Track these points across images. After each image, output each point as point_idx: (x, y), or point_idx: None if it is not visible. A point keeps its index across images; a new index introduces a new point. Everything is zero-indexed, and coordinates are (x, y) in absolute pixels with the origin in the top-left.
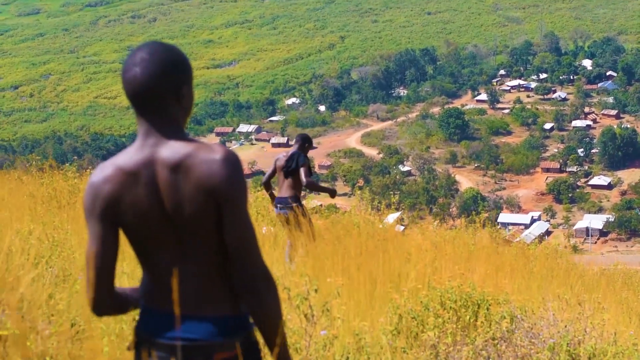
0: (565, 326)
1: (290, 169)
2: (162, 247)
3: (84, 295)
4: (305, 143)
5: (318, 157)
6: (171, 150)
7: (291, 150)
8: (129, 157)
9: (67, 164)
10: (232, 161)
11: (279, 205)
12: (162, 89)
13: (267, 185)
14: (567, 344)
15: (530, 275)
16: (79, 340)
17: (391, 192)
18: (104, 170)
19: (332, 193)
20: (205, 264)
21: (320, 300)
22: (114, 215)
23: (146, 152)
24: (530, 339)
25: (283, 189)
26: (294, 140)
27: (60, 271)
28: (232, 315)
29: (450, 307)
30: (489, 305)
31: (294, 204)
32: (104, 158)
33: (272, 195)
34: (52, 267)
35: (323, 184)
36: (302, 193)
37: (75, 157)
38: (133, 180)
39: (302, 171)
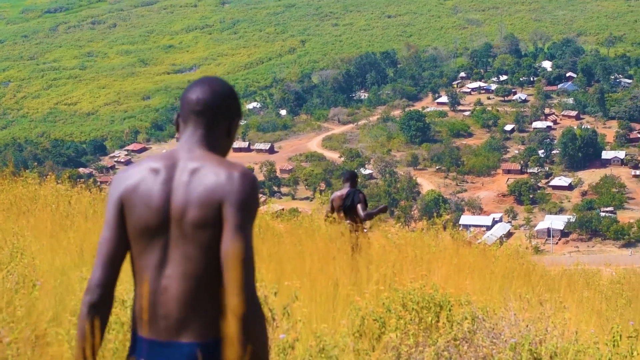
0: (527, 326)
1: (346, 207)
2: (155, 248)
3: (43, 301)
4: (356, 178)
5: (279, 161)
6: (197, 158)
7: (345, 189)
8: (161, 157)
9: (27, 171)
10: (249, 178)
11: None
12: (224, 109)
13: (326, 217)
14: (529, 343)
15: (491, 276)
16: (39, 347)
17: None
18: (135, 166)
19: (385, 209)
20: (191, 276)
21: (281, 304)
22: (124, 211)
23: (176, 155)
24: (492, 339)
25: (348, 220)
26: (344, 179)
27: (20, 278)
28: (215, 339)
29: (412, 309)
30: (451, 306)
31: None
32: (65, 165)
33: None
34: (12, 274)
35: (374, 209)
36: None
37: (36, 164)
38: (153, 175)
39: (359, 207)
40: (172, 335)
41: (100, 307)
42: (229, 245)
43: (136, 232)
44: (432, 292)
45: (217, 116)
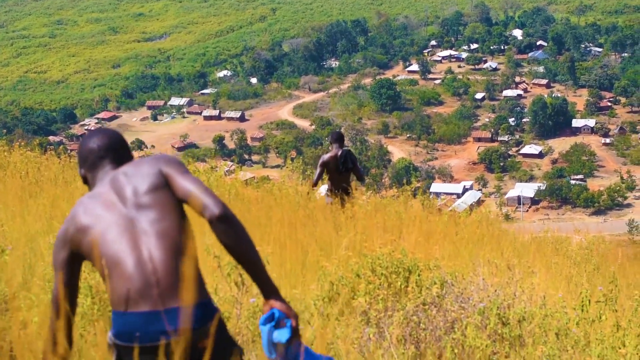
0: (495, 290)
1: (347, 167)
2: (120, 235)
3: (12, 266)
4: (344, 138)
5: (250, 129)
6: (118, 172)
7: (335, 151)
8: (93, 188)
9: None
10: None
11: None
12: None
13: (316, 185)
14: (497, 308)
15: (460, 242)
16: (9, 311)
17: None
18: (65, 222)
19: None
20: (172, 247)
21: None
22: (79, 243)
23: (100, 187)
24: (461, 304)
25: (337, 183)
26: (332, 139)
27: None
28: (205, 300)
29: (382, 274)
30: (420, 271)
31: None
32: (35, 133)
33: (331, 189)
34: None
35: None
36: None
37: (5, 132)
38: (95, 199)
39: (359, 167)
40: (169, 302)
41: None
42: (184, 184)
43: (105, 245)
44: (401, 258)
45: (119, 152)
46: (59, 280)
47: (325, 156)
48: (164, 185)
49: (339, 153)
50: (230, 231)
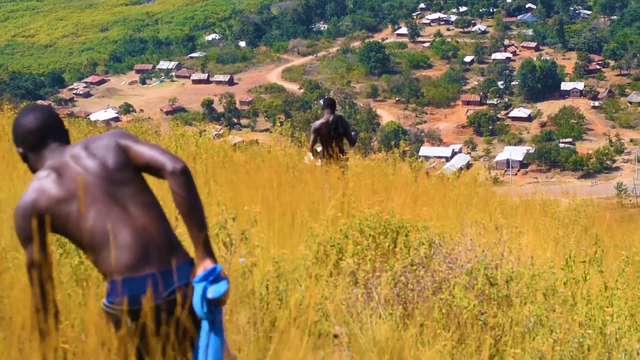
0: (483, 251)
1: (339, 133)
2: (108, 218)
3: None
4: (335, 104)
5: (239, 93)
6: (74, 146)
7: (327, 117)
8: (46, 166)
9: None
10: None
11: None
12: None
13: (312, 149)
14: (485, 268)
15: (448, 204)
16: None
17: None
18: (30, 190)
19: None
20: (149, 205)
21: (239, 230)
22: (55, 214)
23: (57, 159)
24: (448, 264)
25: (329, 148)
26: (323, 106)
27: None
28: (190, 258)
29: (369, 235)
30: (408, 232)
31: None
32: (23, 97)
33: (316, 152)
34: None
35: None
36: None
37: None
38: (55, 177)
39: (353, 134)
40: (171, 262)
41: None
42: (142, 150)
43: (73, 225)
44: (389, 218)
45: (57, 129)
46: (35, 249)
47: (317, 122)
48: (128, 159)
49: (330, 119)
50: (188, 184)
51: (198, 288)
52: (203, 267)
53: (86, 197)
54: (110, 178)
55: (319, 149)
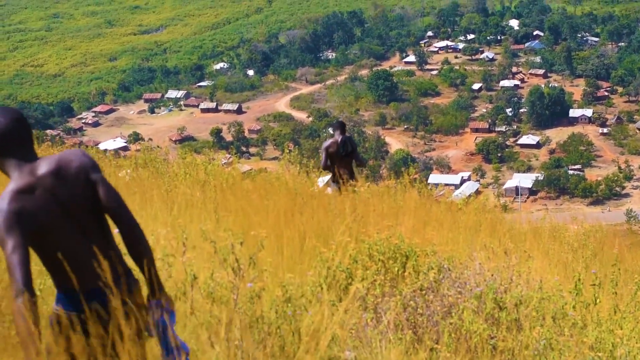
0: (492, 275)
1: (347, 152)
2: (69, 240)
3: None
4: (345, 126)
5: (248, 121)
6: (44, 163)
7: (337, 137)
8: (16, 180)
9: None
10: (85, 152)
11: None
12: (19, 127)
13: (326, 167)
14: (494, 292)
15: (457, 229)
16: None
17: (320, 155)
18: (4, 196)
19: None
20: (103, 242)
21: (247, 253)
22: (22, 225)
23: (26, 172)
24: (457, 289)
25: (342, 169)
26: (334, 128)
27: None
28: (125, 272)
29: (379, 259)
30: (417, 256)
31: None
32: (32, 127)
33: (334, 174)
34: None
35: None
36: None
37: None
38: (29, 195)
39: (358, 152)
40: (97, 282)
41: (34, 302)
42: (109, 194)
43: (41, 236)
44: (398, 243)
45: (19, 134)
46: (18, 244)
47: (327, 141)
48: (92, 193)
49: (340, 139)
50: (142, 250)
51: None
52: (165, 300)
53: (58, 224)
54: (76, 210)
55: (326, 177)
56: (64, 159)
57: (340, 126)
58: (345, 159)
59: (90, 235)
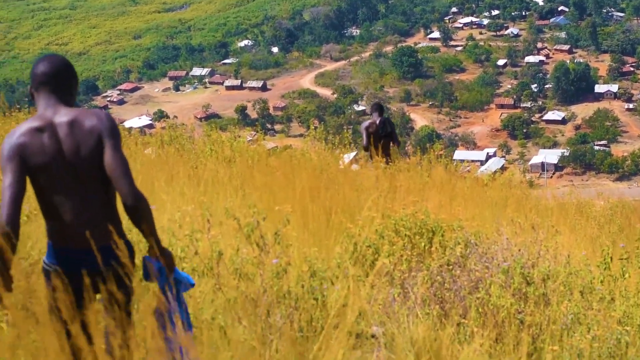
0: (519, 250)
1: (386, 132)
2: (65, 191)
3: (36, 232)
4: (383, 108)
5: (272, 98)
6: (65, 114)
7: (375, 118)
8: (35, 119)
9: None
10: (110, 116)
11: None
12: (63, 76)
13: (368, 149)
14: (521, 267)
15: (484, 204)
16: (34, 275)
17: (345, 131)
18: (17, 129)
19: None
20: (100, 202)
21: (273, 231)
22: (23, 159)
23: (48, 115)
24: (484, 264)
25: (380, 149)
26: (372, 109)
27: None
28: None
29: (405, 235)
30: (443, 231)
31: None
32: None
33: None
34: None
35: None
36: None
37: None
38: (39, 134)
39: (396, 135)
40: (98, 242)
41: (12, 236)
42: (114, 161)
43: (39, 176)
44: (424, 218)
45: (59, 82)
46: (15, 179)
47: (366, 122)
48: (100, 154)
49: (378, 120)
50: (139, 218)
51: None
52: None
53: (55, 168)
54: (79, 162)
55: (351, 154)
56: (84, 115)
57: (379, 108)
58: (384, 139)
59: (90, 195)
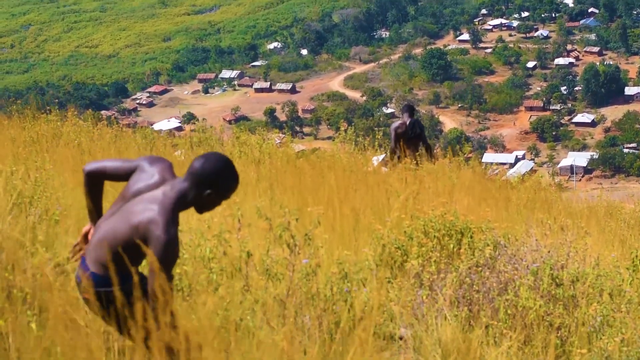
0: (549, 251)
1: (415, 134)
2: (108, 218)
3: (66, 233)
4: (414, 109)
5: (301, 101)
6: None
7: (405, 119)
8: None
9: (49, 109)
10: (167, 211)
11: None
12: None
13: (395, 150)
14: (550, 268)
15: (513, 206)
16: (61, 275)
17: (375, 133)
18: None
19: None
20: (115, 238)
21: (303, 230)
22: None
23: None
24: (514, 265)
25: (409, 150)
26: (402, 110)
27: (43, 211)
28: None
29: (434, 236)
30: (472, 233)
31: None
32: (87, 107)
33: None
34: (35, 207)
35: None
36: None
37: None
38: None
39: (426, 137)
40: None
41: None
42: (150, 260)
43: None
44: (453, 220)
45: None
46: (123, 162)
47: (396, 123)
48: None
49: (408, 121)
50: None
51: None
52: None
53: (117, 199)
54: (125, 201)
55: (380, 156)
56: (155, 201)
57: (409, 109)
58: (413, 140)
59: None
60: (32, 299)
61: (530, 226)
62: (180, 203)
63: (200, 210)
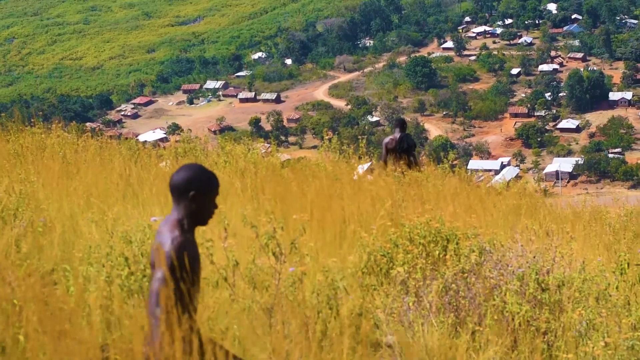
0: (534, 257)
1: (403, 148)
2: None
3: (52, 244)
4: (406, 124)
5: (286, 110)
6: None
7: (396, 134)
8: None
9: (33, 122)
10: (178, 243)
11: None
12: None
13: (385, 164)
14: (536, 273)
15: (498, 212)
16: (46, 285)
17: (360, 142)
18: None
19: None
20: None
21: (289, 240)
22: None
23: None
24: (499, 271)
25: (396, 164)
26: (394, 125)
27: (29, 223)
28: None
29: (420, 243)
30: (458, 239)
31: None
32: (71, 120)
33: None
34: (20, 219)
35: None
36: None
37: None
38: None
39: (414, 153)
40: None
41: None
42: (150, 284)
43: None
44: (438, 226)
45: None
46: None
47: (386, 139)
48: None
49: (398, 136)
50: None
51: None
52: None
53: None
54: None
55: (364, 165)
56: (162, 234)
57: (400, 124)
58: (402, 155)
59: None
60: (20, 310)
61: (516, 232)
62: (179, 222)
63: (201, 218)
